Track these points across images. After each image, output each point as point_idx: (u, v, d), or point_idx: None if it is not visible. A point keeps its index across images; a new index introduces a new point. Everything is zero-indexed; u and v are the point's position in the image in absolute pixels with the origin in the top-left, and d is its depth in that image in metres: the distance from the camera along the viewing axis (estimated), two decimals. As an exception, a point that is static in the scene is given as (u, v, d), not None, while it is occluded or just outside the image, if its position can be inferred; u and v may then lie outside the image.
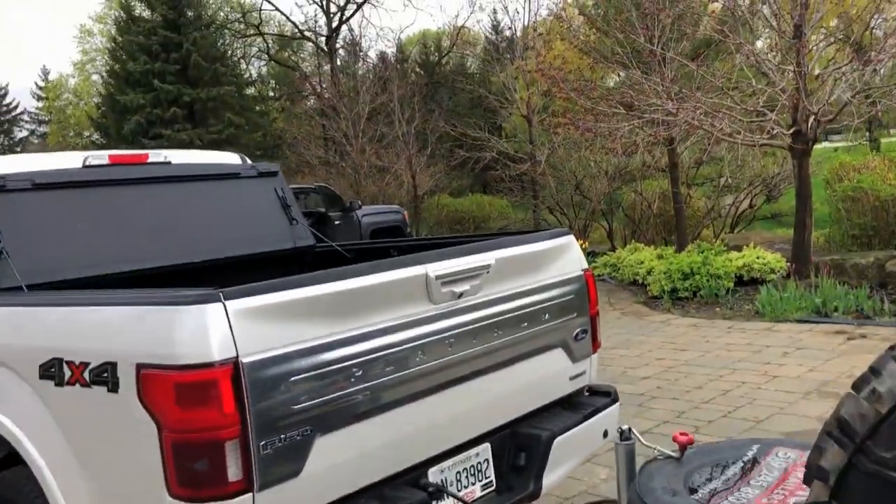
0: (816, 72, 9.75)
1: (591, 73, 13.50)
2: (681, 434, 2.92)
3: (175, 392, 2.24)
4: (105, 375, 2.37)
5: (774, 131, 9.78)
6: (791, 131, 10.10)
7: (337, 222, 14.29)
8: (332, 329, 2.57)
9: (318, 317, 2.52)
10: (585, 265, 3.75)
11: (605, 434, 3.49)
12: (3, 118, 45.87)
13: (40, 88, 46.75)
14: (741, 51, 9.78)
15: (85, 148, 33.69)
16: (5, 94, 45.62)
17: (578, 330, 3.58)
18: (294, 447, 2.38)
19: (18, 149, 41.08)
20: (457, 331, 2.96)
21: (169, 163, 4.45)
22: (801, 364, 7.02)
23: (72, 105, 45.58)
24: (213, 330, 2.23)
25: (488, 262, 3.13)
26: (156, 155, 4.49)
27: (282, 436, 2.35)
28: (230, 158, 4.94)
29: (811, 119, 9.90)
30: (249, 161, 5.01)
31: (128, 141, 27.86)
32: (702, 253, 11.07)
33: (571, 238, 3.75)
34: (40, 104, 46.56)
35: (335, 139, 23.20)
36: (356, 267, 2.76)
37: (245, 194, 4.60)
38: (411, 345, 2.78)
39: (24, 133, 46.87)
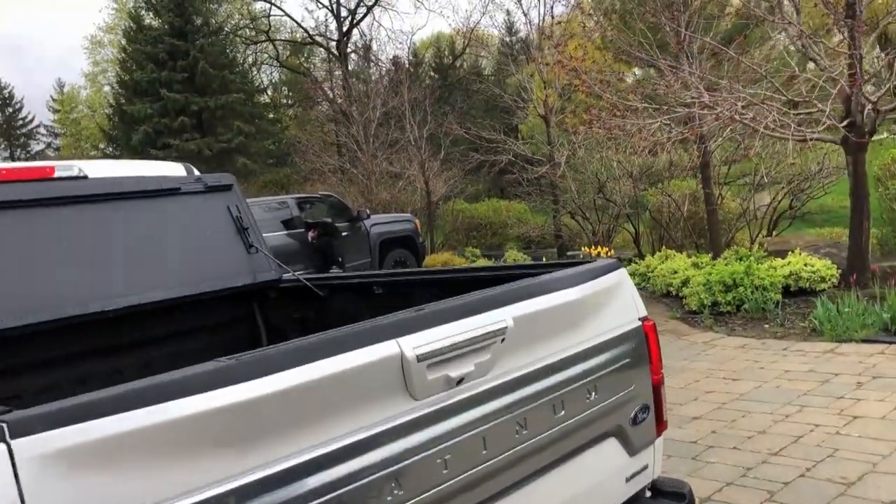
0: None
1: (611, 69, 12.45)
2: None
3: None
4: None
5: (825, 124, 8.50)
6: (844, 123, 8.82)
7: (344, 233, 13.51)
8: (229, 470, 1.49)
9: (204, 453, 1.46)
10: (643, 311, 2.66)
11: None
12: (19, 132, 45.33)
13: (55, 101, 46.28)
14: (786, 33, 8.51)
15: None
16: (21, 108, 45.14)
17: (637, 409, 2.52)
18: None
19: (34, 162, 40.49)
20: (455, 440, 1.89)
21: (84, 177, 3.51)
22: (884, 399, 5.83)
23: (85, 117, 45.04)
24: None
25: (503, 323, 2.06)
26: (65, 168, 3.50)
27: None
28: (171, 170, 3.96)
29: (867, 109, 8.61)
30: (196, 172, 4.02)
31: (137, 152, 27.36)
32: (743, 261, 9.88)
33: (623, 274, 2.64)
34: (55, 117, 46.07)
35: (347, 145, 22.89)
36: (274, 353, 1.65)
37: (188, 215, 3.70)
38: (377, 474, 1.72)
39: (41, 146, 46.40)
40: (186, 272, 3.52)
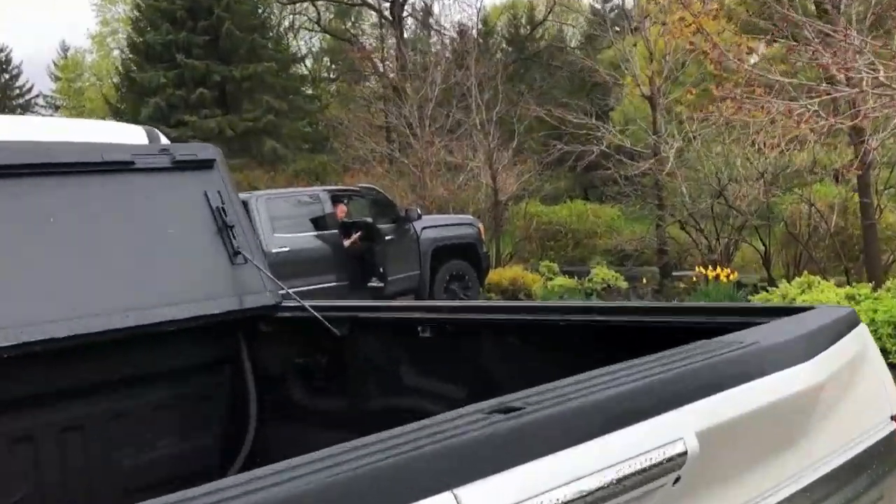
0: None
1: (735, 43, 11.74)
2: None
3: None
4: None
5: None
6: None
7: (388, 237, 13.14)
8: None
9: None
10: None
11: None
12: (14, 103, 46.10)
13: (57, 66, 46.96)
14: None
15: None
16: (19, 74, 45.87)
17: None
18: None
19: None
20: None
21: (-16, 138, 3.11)
22: None
23: (90, 86, 45.60)
24: None
25: (678, 446, 1.39)
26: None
27: None
28: (126, 134, 3.59)
29: None
30: (164, 139, 3.64)
31: (146, 129, 27.10)
32: (922, 295, 8.89)
33: (864, 333, 1.99)
34: (56, 86, 46.77)
35: (397, 129, 23.04)
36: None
37: (143, 205, 3.31)
38: None
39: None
40: (138, 291, 3.14)
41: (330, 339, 3.24)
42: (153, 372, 3.32)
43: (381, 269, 12.78)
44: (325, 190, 13.79)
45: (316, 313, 3.25)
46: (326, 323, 3.24)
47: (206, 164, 3.42)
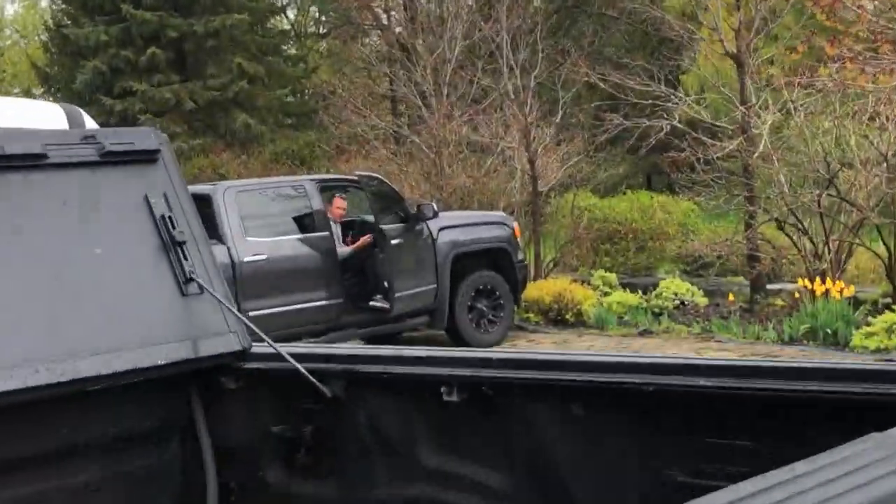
0: None
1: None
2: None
3: None
4: None
5: None
6: None
7: (395, 240, 13.04)
8: None
9: None
10: None
11: None
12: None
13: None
14: None
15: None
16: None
17: None
18: None
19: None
20: None
21: None
22: None
23: (12, 46, 46.05)
24: None
25: None
26: None
27: None
28: (41, 115, 3.78)
29: None
30: (90, 121, 3.84)
31: (82, 99, 27.24)
32: None
33: None
34: (-31, 46, 47.24)
35: (406, 100, 23.08)
36: None
37: (61, 213, 3.41)
38: None
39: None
40: (51, 337, 3.20)
41: (318, 401, 3.24)
42: (77, 444, 3.34)
43: (387, 284, 12.75)
44: (312, 179, 13.85)
45: (298, 364, 3.20)
46: (312, 378, 3.19)
47: (147, 157, 3.45)
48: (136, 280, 3.40)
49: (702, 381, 2.49)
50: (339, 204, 13.56)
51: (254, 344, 3.53)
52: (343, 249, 13.04)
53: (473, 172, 19.52)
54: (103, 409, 3.38)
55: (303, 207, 12.96)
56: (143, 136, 3.56)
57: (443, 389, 2.97)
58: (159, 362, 3.28)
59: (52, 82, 32.55)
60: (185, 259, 3.42)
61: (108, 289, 3.33)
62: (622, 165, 24.87)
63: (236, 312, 3.51)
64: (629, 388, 2.65)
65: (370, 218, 13.57)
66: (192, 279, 3.40)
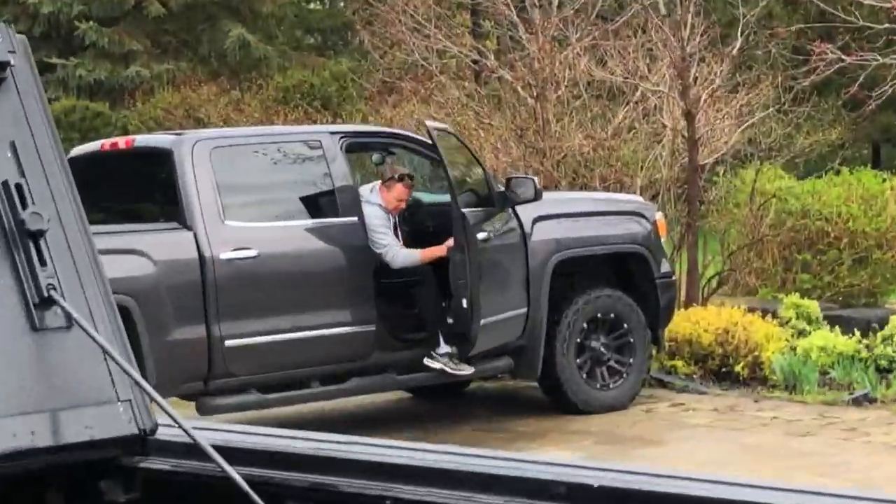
0: None
1: None
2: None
3: None
4: None
5: None
6: None
7: (482, 235, 13.28)
8: None
9: None
10: None
11: None
12: None
13: None
14: None
15: None
16: None
17: None
18: None
19: None
20: None
21: None
22: None
23: None
24: None
25: None
26: None
27: None
28: None
29: None
30: None
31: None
32: None
33: None
34: None
35: (488, 13, 24.35)
36: None
37: None
38: None
39: None
40: None
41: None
42: None
43: (465, 301, 12.88)
44: (335, 132, 14.02)
45: (233, 471, 3.05)
46: (256, 497, 3.07)
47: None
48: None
49: None
50: (401, 193, 13.56)
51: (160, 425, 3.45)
52: (409, 253, 13.20)
53: (595, 131, 20.41)
54: None
55: (318, 176, 13.23)
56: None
57: None
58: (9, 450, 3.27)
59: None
60: (42, 264, 3.36)
61: None
62: (835, 128, 25.19)
63: (128, 367, 3.30)
64: None
65: (432, 198, 14.14)
66: (51, 300, 3.28)
